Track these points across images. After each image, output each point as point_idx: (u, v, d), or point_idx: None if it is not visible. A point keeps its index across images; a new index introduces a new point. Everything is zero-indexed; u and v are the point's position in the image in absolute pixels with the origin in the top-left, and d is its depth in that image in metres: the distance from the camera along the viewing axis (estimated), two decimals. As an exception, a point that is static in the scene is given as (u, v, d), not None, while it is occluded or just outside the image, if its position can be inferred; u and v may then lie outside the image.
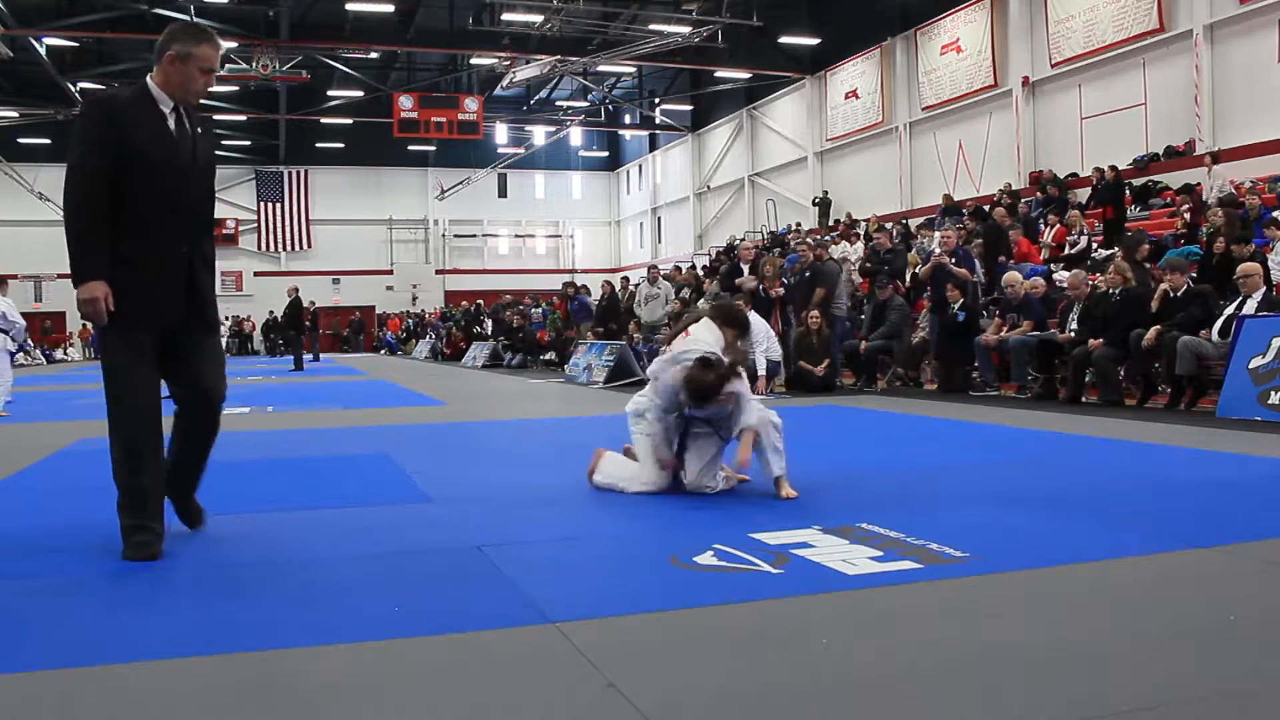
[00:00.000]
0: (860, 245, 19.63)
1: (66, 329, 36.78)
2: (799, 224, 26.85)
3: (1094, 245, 14.03)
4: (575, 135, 41.90)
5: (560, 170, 43.34)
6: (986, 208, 16.67)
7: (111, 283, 3.32)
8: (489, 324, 24.25)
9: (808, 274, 11.68)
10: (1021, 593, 2.87)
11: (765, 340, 10.81)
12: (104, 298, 3.30)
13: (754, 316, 10.96)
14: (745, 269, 12.08)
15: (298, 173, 39.80)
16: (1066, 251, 14.12)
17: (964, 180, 22.63)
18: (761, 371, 10.65)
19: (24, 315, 11.80)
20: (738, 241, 23.07)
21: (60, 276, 37.05)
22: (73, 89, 30.11)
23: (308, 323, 23.31)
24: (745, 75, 30.28)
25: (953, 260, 10.92)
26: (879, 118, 25.64)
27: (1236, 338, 7.70)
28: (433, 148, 38.19)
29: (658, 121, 37.48)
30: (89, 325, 35.34)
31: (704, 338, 4.51)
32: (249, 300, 39.31)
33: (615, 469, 4.68)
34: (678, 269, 18.78)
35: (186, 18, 25.35)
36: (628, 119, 39.64)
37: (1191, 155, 16.76)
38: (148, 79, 3.50)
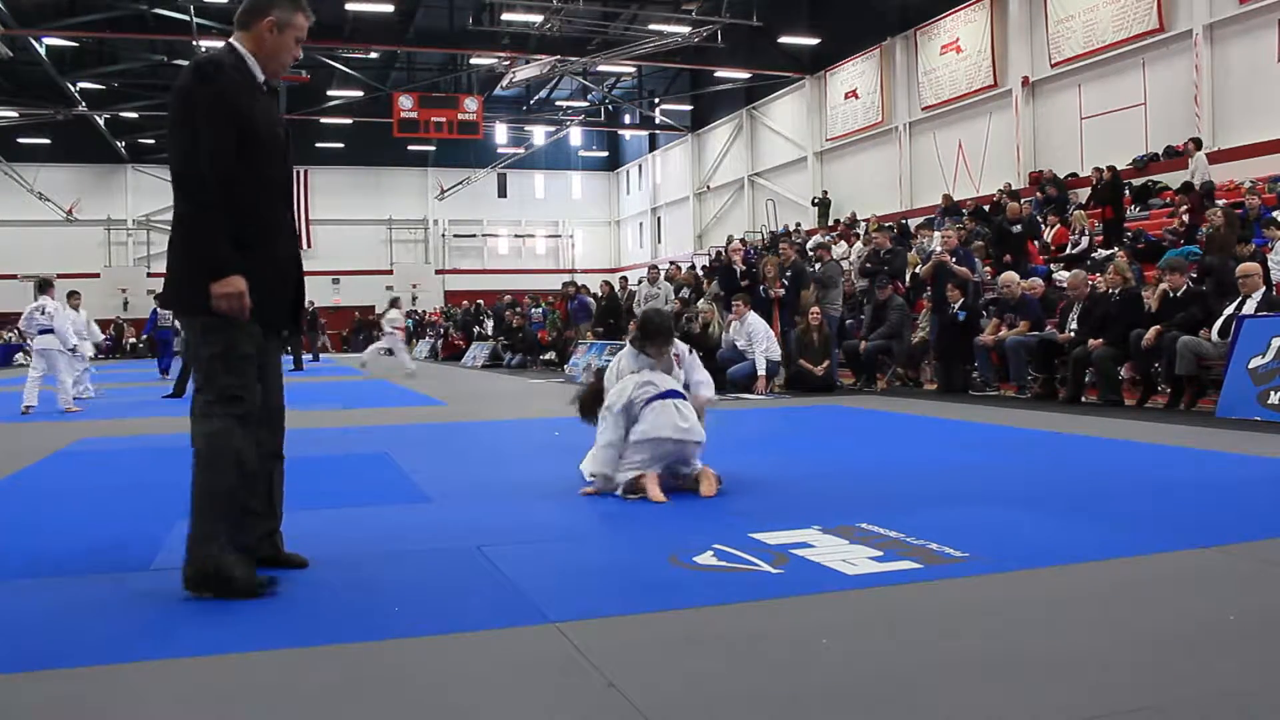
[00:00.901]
0: (859, 245, 19.64)
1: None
2: (798, 224, 26.85)
3: (1094, 245, 14.03)
4: (575, 135, 41.91)
5: (560, 170, 43.34)
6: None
7: (259, 266, 3.03)
8: (489, 324, 24.24)
9: (788, 274, 11.84)
10: (1021, 593, 2.87)
11: (764, 340, 10.82)
12: (245, 292, 2.95)
13: (753, 316, 11.00)
14: (738, 269, 12.07)
15: (298, 172, 39.56)
16: (1067, 251, 14.13)
17: (964, 180, 22.63)
18: (761, 371, 10.66)
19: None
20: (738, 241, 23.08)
21: (60, 276, 37.14)
22: (73, 89, 30.11)
23: (306, 324, 23.33)
24: (745, 75, 30.29)
25: (954, 260, 10.93)
26: (879, 118, 25.64)
27: (1236, 338, 7.70)
28: (433, 148, 38.19)
29: (657, 121, 37.49)
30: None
31: (628, 366, 4.81)
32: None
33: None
34: (677, 268, 18.76)
35: (185, 18, 25.40)
36: (627, 119, 39.64)
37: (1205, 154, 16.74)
38: (234, 43, 3.12)
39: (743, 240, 23.76)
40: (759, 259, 13.11)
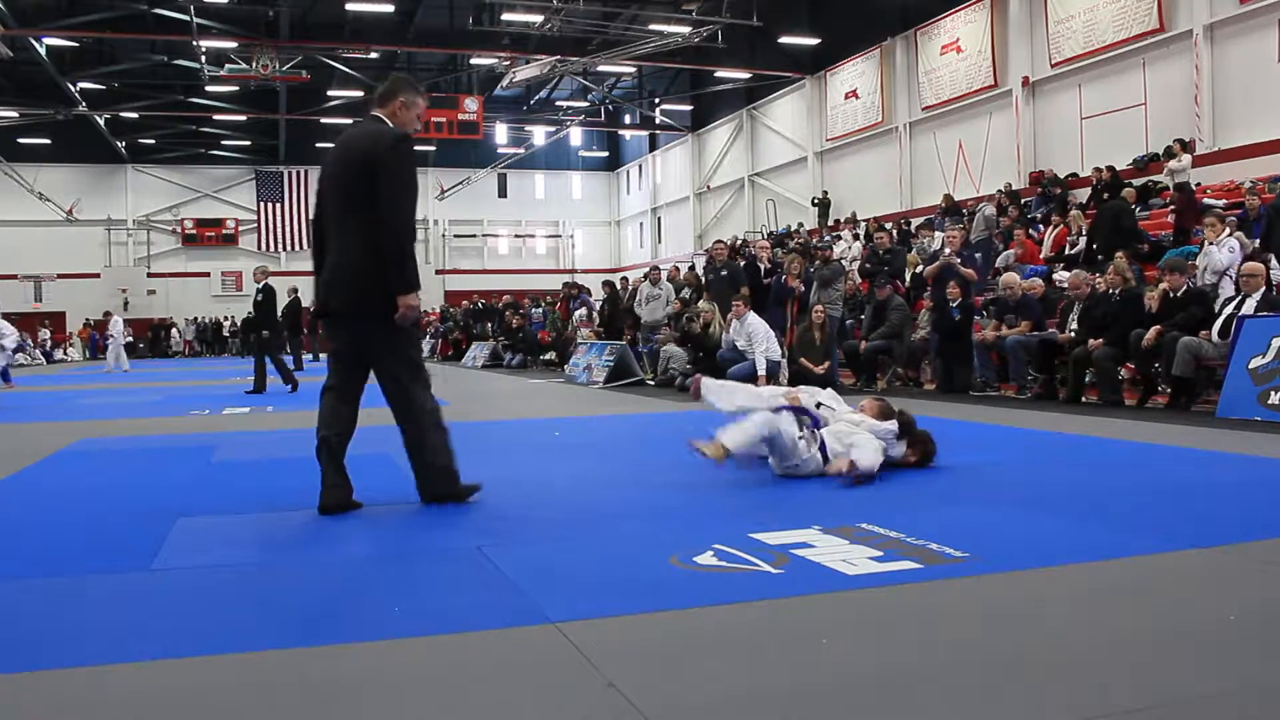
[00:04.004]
0: (857, 245, 19.66)
1: (66, 329, 36.74)
2: (800, 224, 26.86)
3: (1094, 245, 14.01)
4: (575, 135, 41.91)
5: (560, 170, 43.34)
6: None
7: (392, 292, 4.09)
8: (488, 325, 24.23)
9: (724, 272, 12.06)
10: (1021, 593, 2.86)
11: (764, 340, 10.82)
12: None
13: (753, 316, 11.00)
14: (763, 266, 12.35)
15: (298, 173, 39.80)
16: (1067, 251, 14.12)
17: (964, 180, 22.63)
18: (761, 371, 10.66)
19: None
20: (740, 240, 23.10)
21: (60, 276, 37.17)
22: (73, 89, 30.10)
23: (306, 324, 23.27)
24: (745, 75, 30.29)
25: (959, 260, 10.95)
26: (879, 118, 25.64)
27: (1236, 338, 7.70)
28: (433, 148, 38.14)
29: (658, 121, 37.49)
30: (89, 323, 35.16)
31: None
32: (249, 300, 39.22)
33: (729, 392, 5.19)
34: (676, 269, 18.77)
35: (185, 18, 25.39)
36: (628, 119, 39.64)
37: (1192, 155, 16.77)
38: (377, 114, 4.26)
39: (741, 240, 23.77)
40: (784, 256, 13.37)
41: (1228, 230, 10.43)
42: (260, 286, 13.00)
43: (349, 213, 4.13)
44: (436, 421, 4.28)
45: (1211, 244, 10.13)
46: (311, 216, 4.54)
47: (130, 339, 36.99)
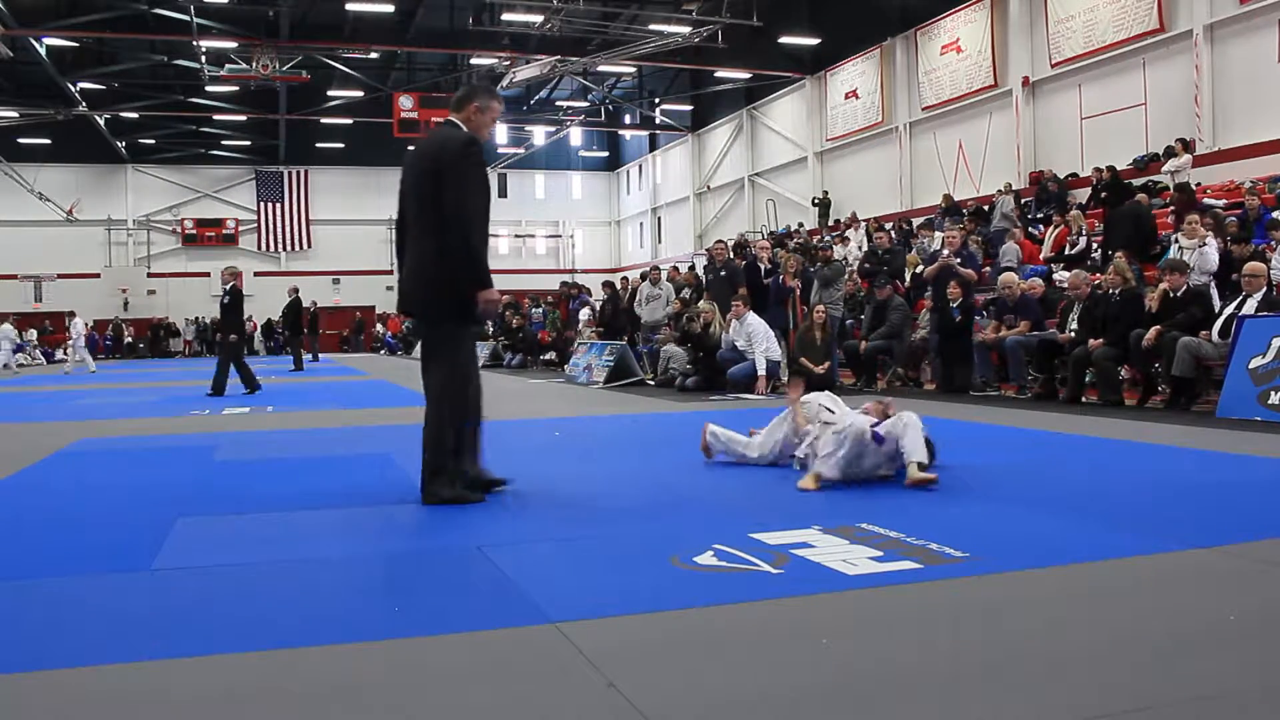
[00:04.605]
0: (853, 245, 19.66)
1: (66, 329, 36.69)
2: (800, 224, 26.85)
3: (1094, 245, 14.02)
4: (575, 135, 41.90)
5: (560, 170, 43.33)
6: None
7: (466, 291, 4.32)
8: (489, 325, 24.19)
9: (724, 272, 12.03)
10: (1021, 593, 2.87)
11: (764, 340, 10.82)
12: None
13: (753, 316, 11.00)
14: (763, 266, 12.32)
15: (298, 173, 39.80)
16: (1067, 251, 14.12)
17: (964, 180, 22.63)
18: (761, 371, 10.66)
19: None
20: (744, 240, 23.07)
21: (60, 276, 37.16)
22: (73, 89, 30.09)
23: (307, 324, 23.30)
24: (745, 75, 30.28)
25: (958, 261, 10.95)
26: (879, 118, 25.64)
27: (1236, 338, 7.70)
28: (432, 148, 38.12)
29: (658, 121, 37.48)
30: (86, 325, 35.14)
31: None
32: (249, 300, 38.93)
33: (733, 438, 5.39)
34: (676, 269, 18.77)
35: (185, 18, 25.39)
36: (628, 119, 39.62)
37: (1193, 155, 16.77)
38: (452, 119, 4.39)
39: (743, 239, 23.74)
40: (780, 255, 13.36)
41: (1210, 234, 10.57)
42: (227, 288, 12.62)
43: (421, 216, 4.34)
44: (446, 425, 4.41)
45: (1180, 245, 10.32)
46: (396, 221, 4.73)
47: (131, 339, 37.22)
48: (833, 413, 5.12)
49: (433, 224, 4.27)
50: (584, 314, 18.66)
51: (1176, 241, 10.85)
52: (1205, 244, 10.44)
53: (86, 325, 24.98)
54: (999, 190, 18.38)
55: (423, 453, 4.41)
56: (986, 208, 18.87)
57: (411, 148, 4.70)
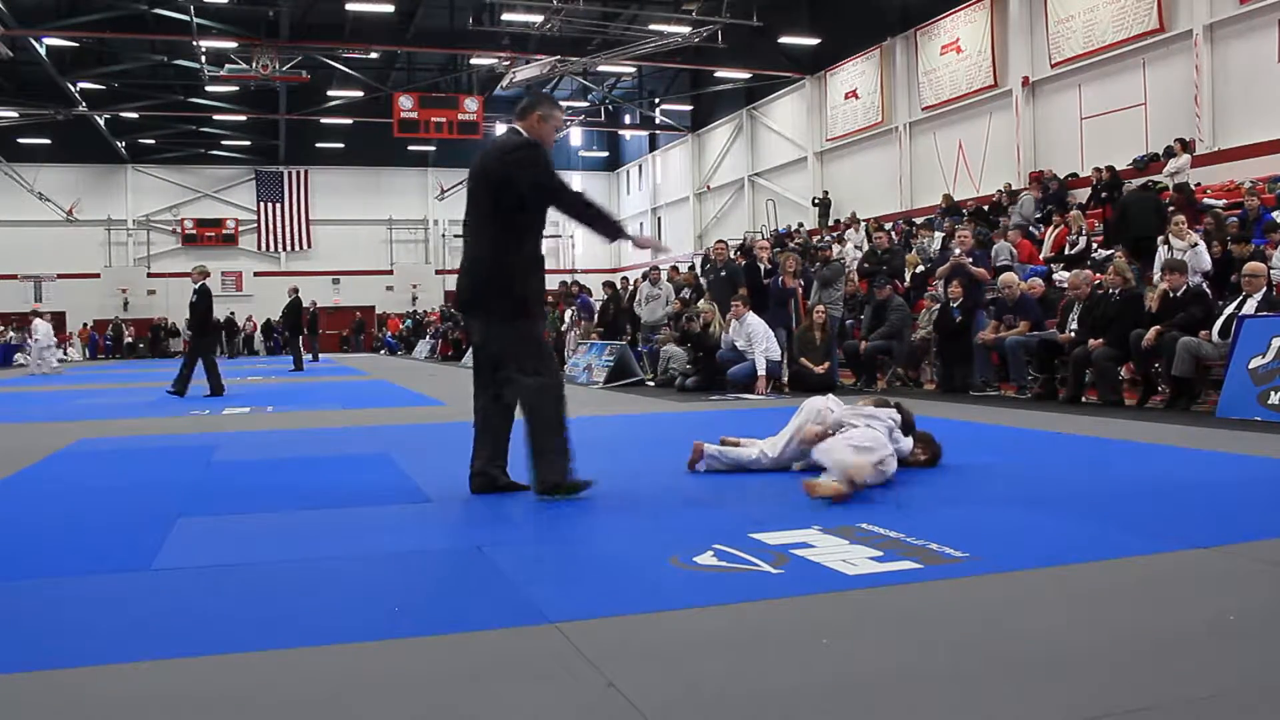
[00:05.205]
0: (850, 246, 19.64)
1: (67, 329, 36.71)
2: (800, 224, 26.85)
3: (1094, 246, 14.03)
4: (575, 135, 41.89)
5: (560, 170, 42.74)
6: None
7: (537, 280, 4.61)
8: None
9: (724, 272, 12.03)
10: (1021, 593, 2.87)
11: (764, 340, 10.82)
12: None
13: (753, 317, 11.00)
14: (763, 266, 12.30)
15: (298, 173, 39.79)
16: (1067, 251, 14.12)
17: (964, 180, 22.63)
18: (761, 371, 10.66)
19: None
20: (747, 239, 23.07)
21: (60, 276, 37.16)
22: (73, 89, 30.09)
23: (306, 324, 23.30)
24: (745, 75, 30.27)
25: (970, 261, 10.96)
26: (879, 118, 25.64)
27: (1236, 338, 7.70)
28: (433, 148, 38.16)
29: (658, 121, 37.47)
30: (86, 326, 35.04)
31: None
32: (249, 300, 39.30)
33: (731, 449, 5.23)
34: (676, 269, 18.76)
35: (185, 18, 25.39)
36: (628, 119, 39.62)
37: (1192, 155, 16.77)
38: (516, 127, 4.57)
39: (746, 239, 23.74)
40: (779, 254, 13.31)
41: (1197, 235, 10.62)
42: (196, 287, 12.38)
43: (480, 217, 4.49)
44: (552, 412, 4.39)
45: (1171, 246, 10.35)
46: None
47: (131, 339, 37.21)
48: (834, 412, 5.06)
49: (488, 225, 4.44)
50: (568, 314, 18.56)
51: (1168, 243, 10.86)
52: (1196, 245, 10.46)
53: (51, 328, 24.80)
54: (1022, 187, 18.32)
55: (532, 442, 4.35)
56: (986, 207, 18.89)
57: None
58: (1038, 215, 17.14)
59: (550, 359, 4.65)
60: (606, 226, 4.60)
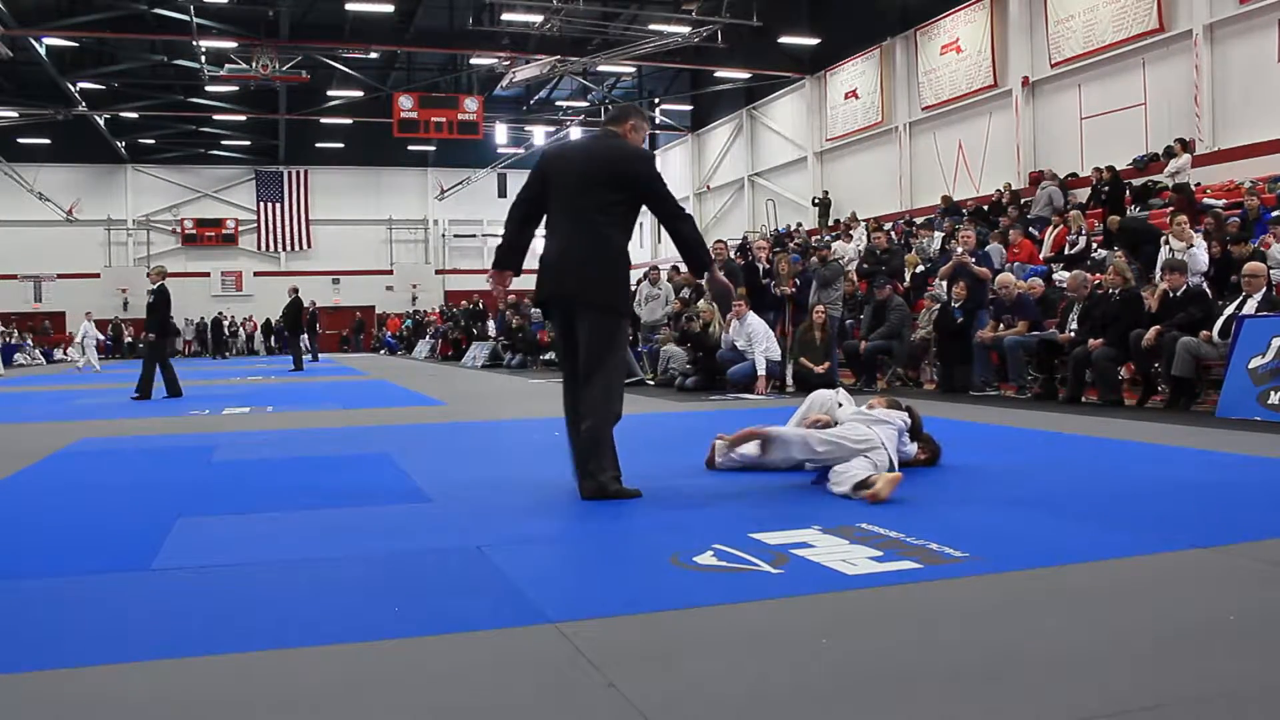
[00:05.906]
0: (849, 246, 19.64)
1: (66, 329, 36.69)
2: (800, 224, 26.85)
3: (1093, 245, 14.03)
4: (575, 135, 41.87)
5: (561, 170, 43.24)
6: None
7: (626, 276, 4.73)
8: (490, 326, 24.20)
9: (723, 273, 12.09)
10: (1021, 593, 2.86)
11: (764, 340, 10.82)
12: None
13: (753, 316, 11.00)
14: (761, 267, 12.27)
15: (298, 173, 39.79)
16: (1066, 251, 14.12)
17: (964, 180, 22.64)
18: (761, 371, 10.66)
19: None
20: (748, 239, 23.05)
21: (60, 276, 37.16)
22: (73, 89, 30.08)
23: (306, 324, 23.31)
24: (745, 75, 30.28)
25: (973, 260, 10.97)
26: (879, 118, 25.64)
27: (1236, 338, 7.70)
28: (433, 148, 38.16)
29: (657, 121, 37.43)
30: (90, 327, 35.11)
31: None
32: (249, 300, 39.31)
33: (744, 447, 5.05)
34: (676, 269, 18.75)
35: (185, 18, 25.39)
36: (628, 119, 39.57)
37: (1192, 155, 16.78)
38: (616, 131, 4.72)
39: (748, 239, 23.72)
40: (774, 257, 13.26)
41: (1199, 236, 10.63)
42: (154, 287, 12.17)
43: (585, 211, 4.53)
44: (617, 412, 4.45)
45: (1171, 247, 10.36)
46: (521, 197, 4.81)
47: (131, 339, 37.19)
48: (841, 407, 5.05)
49: (594, 219, 4.52)
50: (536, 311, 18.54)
51: (1167, 244, 10.87)
52: (1193, 245, 10.47)
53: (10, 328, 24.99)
54: (1045, 180, 18.29)
55: (588, 441, 4.37)
56: (986, 207, 18.88)
57: (568, 146, 5.22)
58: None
59: (622, 374, 4.68)
60: (704, 254, 4.68)
